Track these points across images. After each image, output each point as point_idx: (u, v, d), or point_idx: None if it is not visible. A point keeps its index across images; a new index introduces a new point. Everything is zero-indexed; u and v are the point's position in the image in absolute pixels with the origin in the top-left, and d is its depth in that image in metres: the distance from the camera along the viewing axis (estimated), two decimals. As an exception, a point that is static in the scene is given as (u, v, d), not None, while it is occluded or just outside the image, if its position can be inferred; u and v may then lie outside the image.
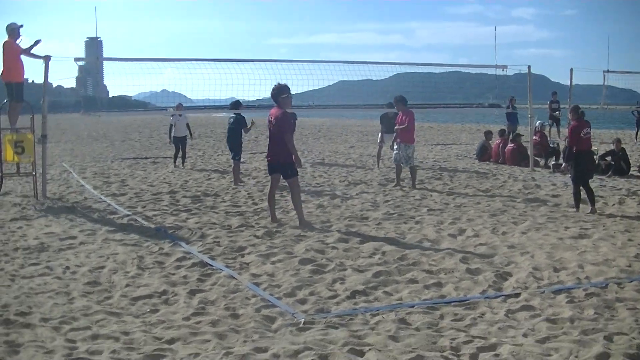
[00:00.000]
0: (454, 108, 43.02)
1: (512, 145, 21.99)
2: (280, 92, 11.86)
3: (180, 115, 21.67)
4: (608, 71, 24.98)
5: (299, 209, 11.95)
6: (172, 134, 21.71)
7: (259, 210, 13.34)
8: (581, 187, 13.08)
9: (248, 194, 15.54)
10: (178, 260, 9.17)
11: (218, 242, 10.29)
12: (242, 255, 9.45)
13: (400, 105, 16.93)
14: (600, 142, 23.58)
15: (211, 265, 8.85)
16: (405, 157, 16.55)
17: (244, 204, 14.14)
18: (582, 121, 13.46)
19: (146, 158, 25.64)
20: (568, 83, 26.84)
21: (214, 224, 11.85)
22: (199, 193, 15.65)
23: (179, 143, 21.66)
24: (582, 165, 13.14)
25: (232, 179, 17.38)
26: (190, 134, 22.31)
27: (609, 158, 19.16)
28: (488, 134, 24.17)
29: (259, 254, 9.42)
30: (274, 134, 11.76)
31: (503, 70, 20.92)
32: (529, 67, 20.87)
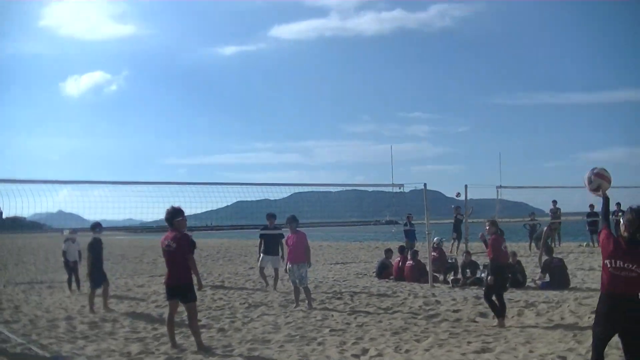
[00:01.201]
0: (352, 225, 43.35)
1: (411, 262, 22.23)
2: (174, 215, 11.83)
3: (73, 241, 21.25)
4: (501, 186, 25.76)
5: (198, 334, 11.76)
6: (68, 258, 21.15)
7: (158, 335, 13.05)
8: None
9: (148, 319, 15.21)
10: (76, 391, 8.88)
11: (117, 371, 10.02)
12: (143, 384, 9.21)
13: (292, 225, 16.96)
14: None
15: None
16: (299, 277, 16.53)
17: (143, 329, 13.82)
18: (500, 234, 13.86)
19: (41, 282, 24.83)
20: (462, 198, 27.60)
21: (113, 351, 11.53)
22: (96, 319, 15.21)
23: (72, 268, 21.17)
24: (501, 277, 13.45)
25: (106, 306, 16.84)
26: (80, 259, 21.73)
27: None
28: (388, 252, 24.38)
29: (161, 382, 9.20)
30: (172, 256, 11.62)
31: (399, 188, 21.31)
32: (425, 184, 21.34)
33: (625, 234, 7.65)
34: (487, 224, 14.28)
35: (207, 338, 12.56)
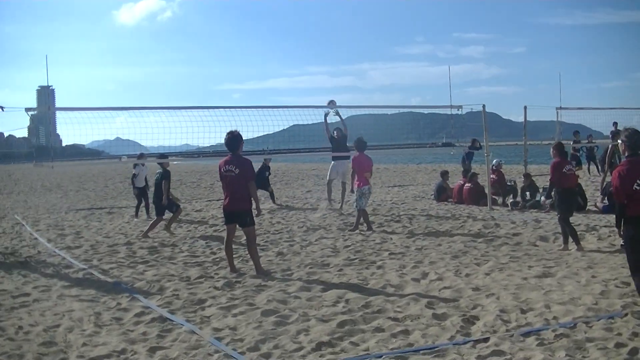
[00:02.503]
0: (408, 148, 42.95)
1: (470, 184, 22.00)
2: (238, 140, 11.86)
3: (143, 165, 21.35)
4: (561, 108, 25.20)
5: (256, 258, 11.79)
6: (135, 184, 21.41)
7: (217, 260, 13.08)
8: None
9: (206, 243, 15.28)
10: (137, 315, 8.89)
11: (177, 295, 10.04)
12: (203, 309, 9.20)
13: (360, 146, 16.94)
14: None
15: (171, 320, 8.60)
16: (355, 199, 16.80)
17: (202, 254, 13.88)
18: (564, 158, 13.55)
19: (101, 208, 25.11)
20: (520, 120, 27.09)
21: (173, 275, 11.58)
22: (156, 244, 15.33)
23: (141, 194, 21.38)
24: (566, 202, 13.15)
25: (168, 229, 17.01)
26: (148, 186, 21.88)
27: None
28: (444, 174, 24.16)
29: (220, 307, 9.18)
30: (233, 181, 11.58)
31: (458, 110, 20.96)
32: (484, 106, 20.95)
33: (627, 152, 8.38)
34: (551, 147, 13.93)
35: (266, 262, 12.56)
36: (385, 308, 8.85)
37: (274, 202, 23.31)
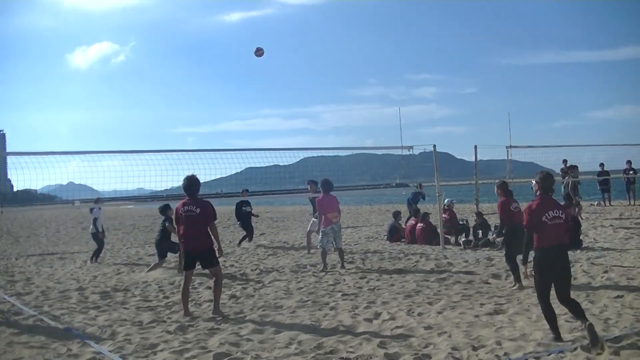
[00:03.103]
0: (362, 189, 43.17)
1: (422, 224, 22.15)
2: (197, 184, 12.03)
3: (99, 209, 21.27)
4: (511, 146, 25.53)
5: (219, 298, 11.88)
6: (99, 229, 21.32)
7: (170, 304, 13.03)
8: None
9: (159, 287, 15.19)
10: (88, 361, 8.83)
11: (129, 339, 9.96)
12: (155, 353, 9.14)
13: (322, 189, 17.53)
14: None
15: (122, 365, 8.54)
16: (339, 237, 17.52)
17: (154, 298, 13.80)
18: (509, 196, 13.76)
19: (53, 254, 24.88)
20: (472, 159, 27.32)
21: (125, 320, 11.49)
22: (108, 288, 15.21)
23: (100, 238, 21.24)
24: (514, 239, 13.30)
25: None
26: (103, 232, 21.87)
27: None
28: (397, 215, 24.31)
29: (172, 351, 9.14)
30: (194, 221, 11.60)
31: (409, 150, 21.14)
32: (434, 146, 21.13)
33: (539, 191, 9.23)
34: (496, 186, 14.18)
35: (219, 305, 12.55)
36: (337, 348, 8.87)
37: (249, 240, 23.21)
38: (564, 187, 28.78)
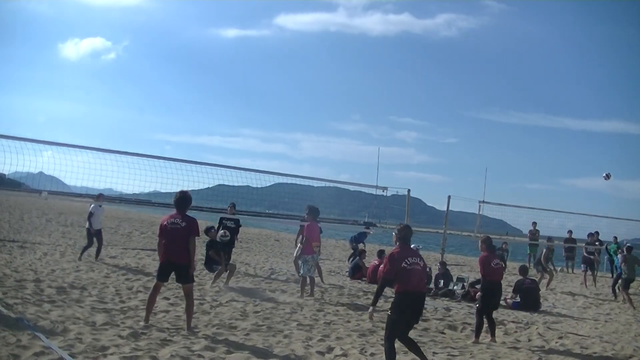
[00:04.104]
0: (330, 222, 43.27)
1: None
2: (189, 202, 12.12)
3: (100, 206, 21.19)
4: (484, 201, 25.65)
5: (191, 315, 11.84)
6: (93, 225, 21.28)
7: (125, 309, 12.97)
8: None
9: (116, 290, 15.12)
10: (36, 354, 8.73)
11: (80, 339, 9.90)
12: (105, 356, 9.10)
13: (314, 216, 17.76)
14: (470, 269, 24.08)
15: (70, 363, 8.49)
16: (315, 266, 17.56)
17: (110, 301, 13.74)
18: (492, 252, 13.82)
19: (13, 241, 24.64)
20: (443, 208, 27.49)
21: (78, 319, 11.42)
22: (65, 284, 15.10)
23: (96, 235, 21.27)
24: (491, 295, 13.42)
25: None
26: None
27: (478, 286, 19.48)
28: (362, 253, 24.38)
29: (123, 356, 9.10)
30: (178, 234, 11.61)
31: (383, 191, 21.22)
32: (409, 190, 21.28)
33: (398, 242, 10.19)
34: (480, 241, 14.24)
35: (174, 317, 12.53)
36: (287, 377, 8.88)
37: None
38: (534, 255, 29.13)
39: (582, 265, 29.12)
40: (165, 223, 11.78)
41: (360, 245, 26.87)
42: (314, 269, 17.53)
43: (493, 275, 13.50)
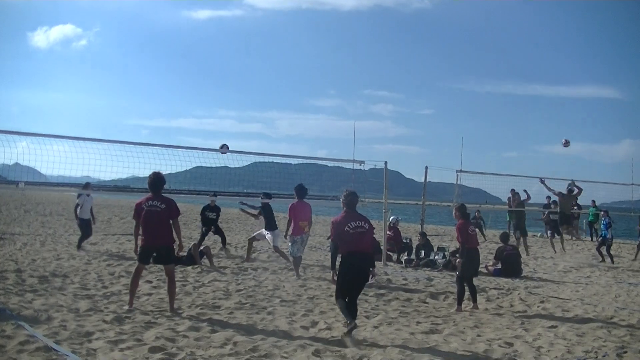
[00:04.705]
0: (309, 199, 43.30)
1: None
2: (163, 182, 12.11)
3: (88, 195, 21.13)
4: (461, 171, 25.71)
5: (174, 297, 11.87)
6: (79, 215, 21.23)
7: (108, 294, 12.98)
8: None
9: (98, 276, 15.12)
10: (21, 344, 8.72)
11: (64, 326, 9.91)
12: (90, 341, 9.11)
13: (297, 194, 17.47)
14: (451, 239, 24.23)
15: (56, 350, 8.50)
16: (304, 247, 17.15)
17: (93, 287, 13.73)
18: (467, 219, 13.88)
19: (-8, 234, 24.54)
20: (421, 179, 27.55)
21: (61, 306, 11.41)
22: (47, 273, 15.07)
23: (85, 225, 21.23)
24: (470, 262, 13.50)
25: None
26: (93, 219, 21.85)
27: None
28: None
29: (108, 340, 9.11)
30: (157, 217, 11.63)
31: (360, 165, 21.20)
32: (386, 163, 21.26)
33: (344, 207, 10.85)
34: (454, 209, 14.33)
35: (157, 300, 12.55)
36: (272, 353, 8.93)
37: (223, 245, 22.64)
38: (513, 222, 29.23)
39: (547, 232, 29.33)
40: (142, 206, 11.75)
41: None
42: (302, 248, 17.21)
43: (471, 242, 13.59)
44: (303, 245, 17.13)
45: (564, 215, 25.61)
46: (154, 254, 11.77)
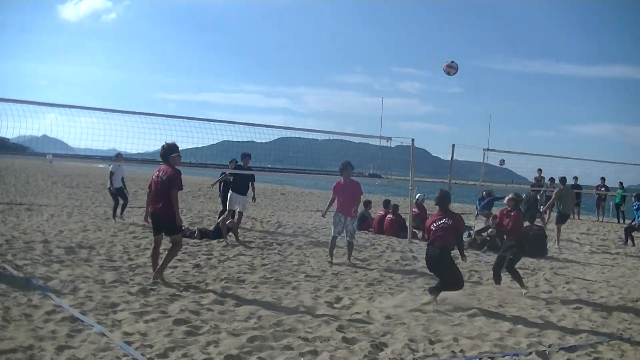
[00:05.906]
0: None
1: (391, 216, 22.27)
2: (171, 151, 11.92)
3: (119, 165, 21.30)
4: (488, 149, 25.53)
5: (166, 264, 11.96)
6: (113, 184, 21.63)
7: (134, 266, 13.04)
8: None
9: (124, 248, 15.20)
10: (47, 313, 8.80)
11: (90, 296, 9.97)
12: (115, 312, 9.17)
13: (348, 172, 16.18)
14: (475, 218, 24.13)
15: (82, 320, 8.55)
16: (351, 231, 15.63)
17: (119, 259, 13.81)
18: (519, 211, 13.56)
19: (20, 204, 24.74)
20: (448, 158, 27.35)
21: (87, 277, 11.49)
22: (73, 244, 15.18)
23: (118, 194, 21.52)
24: (522, 252, 13.57)
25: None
26: (125, 189, 22.20)
27: (484, 234, 19.47)
28: (367, 204, 24.40)
29: (132, 312, 9.16)
30: (159, 187, 11.67)
31: (387, 141, 21.11)
32: (413, 140, 21.18)
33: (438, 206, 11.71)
34: (508, 199, 13.66)
35: (182, 272, 12.60)
36: (296, 327, 8.93)
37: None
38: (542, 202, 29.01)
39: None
40: (153, 176, 11.91)
41: (485, 211, 24.86)
42: (350, 232, 15.63)
43: (522, 232, 13.38)
44: (341, 226, 15.65)
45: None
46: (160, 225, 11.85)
